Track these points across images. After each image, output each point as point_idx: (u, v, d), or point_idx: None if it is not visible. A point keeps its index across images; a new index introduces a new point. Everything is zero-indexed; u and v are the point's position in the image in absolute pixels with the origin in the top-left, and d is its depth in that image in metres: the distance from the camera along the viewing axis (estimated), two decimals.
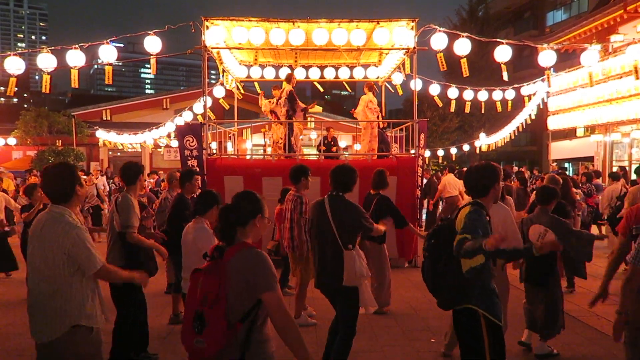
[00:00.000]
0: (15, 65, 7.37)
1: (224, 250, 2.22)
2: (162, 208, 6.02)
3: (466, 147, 20.54)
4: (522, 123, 16.67)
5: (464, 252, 2.55)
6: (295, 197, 5.19)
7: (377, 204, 5.48)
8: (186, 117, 14.18)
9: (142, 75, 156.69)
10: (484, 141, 19.55)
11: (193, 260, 3.49)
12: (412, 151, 8.83)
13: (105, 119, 26.19)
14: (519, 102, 14.43)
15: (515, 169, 15.47)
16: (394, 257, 8.17)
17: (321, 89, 11.54)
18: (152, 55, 7.67)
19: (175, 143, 18.75)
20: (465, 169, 3.29)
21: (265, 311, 2.18)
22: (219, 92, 11.42)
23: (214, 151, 9.85)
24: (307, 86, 19.89)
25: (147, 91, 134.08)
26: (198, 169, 8.17)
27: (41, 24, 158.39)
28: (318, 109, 27.49)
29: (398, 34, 8.20)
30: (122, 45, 79.40)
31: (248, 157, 12.41)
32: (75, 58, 7.48)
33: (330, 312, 4.00)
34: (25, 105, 40.49)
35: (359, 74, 11.19)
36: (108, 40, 7.60)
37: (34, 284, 2.67)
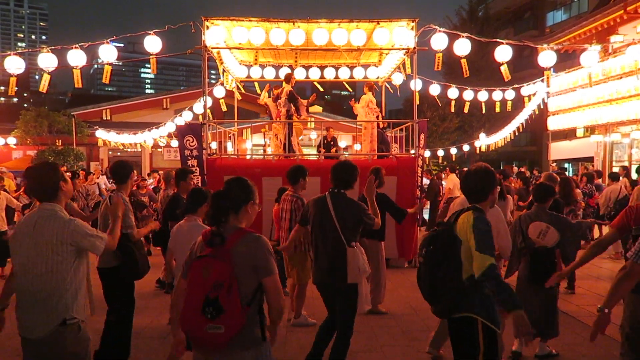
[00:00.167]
0: (15, 65, 7.38)
1: (225, 237, 2.25)
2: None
3: (466, 148, 20.55)
4: (522, 123, 16.68)
5: (502, 298, 2.52)
6: (294, 198, 5.20)
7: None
8: (186, 117, 14.18)
9: (142, 75, 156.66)
10: (484, 141, 19.56)
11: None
12: (412, 151, 8.83)
13: (105, 118, 26.19)
14: (518, 103, 14.44)
15: (515, 169, 15.47)
16: (394, 257, 8.18)
17: (321, 89, 11.54)
18: (152, 55, 7.67)
19: (175, 143, 18.78)
20: (465, 169, 3.26)
21: (262, 294, 2.28)
22: (219, 92, 11.42)
23: (214, 151, 9.86)
24: (307, 86, 19.89)
25: (147, 91, 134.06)
26: (198, 169, 8.17)
27: (41, 23, 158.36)
28: (318, 109, 27.54)
29: (398, 34, 8.20)
30: (122, 45, 79.45)
31: (248, 157, 12.41)
32: (76, 58, 7.48)
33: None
34: (25, 105, 40.56)
35: (359, 74, 11.18)
36: (108, 40, 7.60)
37: (27, 282, 2.67)
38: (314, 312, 5.57)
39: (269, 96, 9.89)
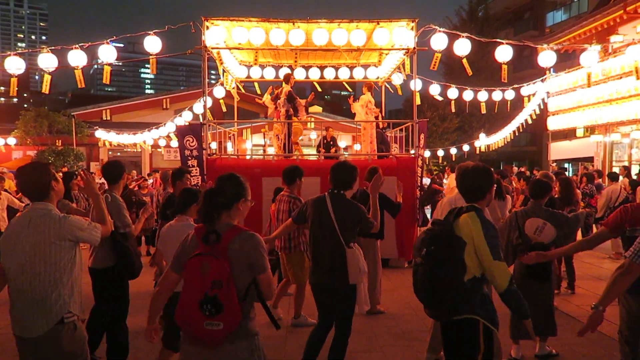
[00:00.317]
0: (15, 65, 7.39)
1: (220, 234, 2.28)
2: None
3: (466, 148, 20.53)
4: (522, 123, 16.68)
5: (514, 305, 2.59)
6: (291, 199, 5.20)
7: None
8: (186, 117, 14.19)
9: (142, 75, 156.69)
10: (484, 141, 19.55)
11: None
12: (412, 151, 8.83)
13: (105, 119, 26.18)
14: (518, 103, 14.44)
15: (515, 169, 15.47)
16: (393, 257, 8.18)
17: (319, 89, 11.55)
18: (152, 55, 7.67)
19: (175, 143, 18.77)
20: (458, 166, 3.19)
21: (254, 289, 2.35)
22: (219, 92, 11.42)
23: (214, 151, 9.86)
24: (307, 86, 19.89)
25: (147, 91, 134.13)
26: (198, 169, 8.17)
27: (41, 24, 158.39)
28: (318, 109, 27.54)
29: (398, 35, 8.21)
30: (122, 45, 79.52)
31: (248, 157, 12.41)
32: (76, 58, 7.49)
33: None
34: (25, 105, 40.52)
35: (358, 74, 11.19)
36: (108, 40, 7.60)
37: (25, 282, 2.67)
38: (314, 313, 5.56)
39: (271, 98, 9.91)
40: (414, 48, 8.36)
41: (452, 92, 12.07)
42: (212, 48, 8.42)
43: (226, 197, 2.38)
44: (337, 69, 11.34)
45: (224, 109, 11.21)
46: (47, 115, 22.46)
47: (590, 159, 18.90)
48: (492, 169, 2.87)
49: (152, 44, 7.66)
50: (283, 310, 5.83)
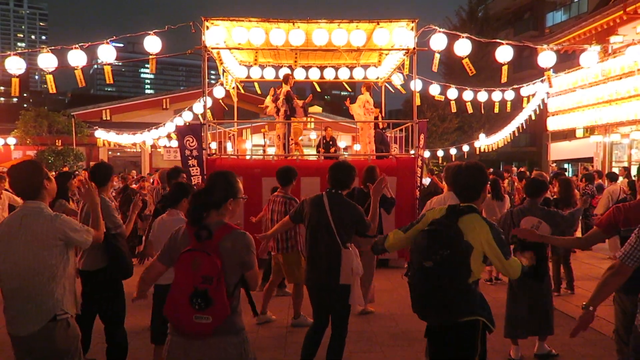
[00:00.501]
0: (15, 65, 7.38)
1: (212, 232, 2.33)
2: None
3: (466, 148, 20.54)
4: (521, 124, 16.69)
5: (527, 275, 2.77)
6: (287, 200, 5.22)
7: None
8: (186, 117, 14.18)
9: (142, 75, 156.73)
10: (484, 142, 19.56)
11: None
12: (412, 152, 8.83)
13: (105, 119, 26.19)
14: (518, 103, 14.45)
15: (515, 169, 15.48)
16: (393, 257, 8.19)
17: (319, 89, 11.55)
18: (152, 55, 7.68)
19: (174, 143, 18.77)
20: (450, 164, 3.11)
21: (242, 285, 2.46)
22: (218, 92, 11.42)
23: (214, 151, 9.86)
24: (306, 86, 19.89)
25: (147, 91, 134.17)
26: (198, 169, 8.18)
27: (41, 23, 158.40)
28: (318, 109, 27.54)
29: (398, 35, 8.21)
30: (122, 45, 79.54)
31: (248, 157, 12.41)
32: (76, 58, 7.49)
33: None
34: (25, 105, 40.54)
35: (358, 74, 11.19)
36: (108, 40, 7.61)
37: (17, 280, 2.68)
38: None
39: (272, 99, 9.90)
40: (414, 48, 8.36)
41: (452, 93, 12.08)
42: (212, 48, 8.42)
43: (215, 197, 2.44)
44: (337, 69, 11.34)
45: (226, 109, 11.21)
46: (46, 115, 22.48)
47: (589, 160, 18.91)
48: (488, 169, 2.87)
49: (152, 44, 7.67)
50: (283, 311, 5.84)
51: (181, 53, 9.70)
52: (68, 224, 2.77)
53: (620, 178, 10.87)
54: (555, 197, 7.01)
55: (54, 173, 7.42)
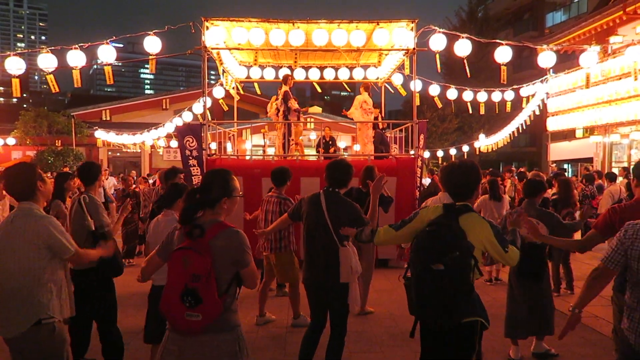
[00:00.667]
0: (15, 65, 7.38)
1: (205, 230, 2.33)
2: None
3: (465, 148, 20.55)
4: (521, 124, 16.69)
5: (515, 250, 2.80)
6: (281, 200, 5.22)
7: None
8: (186, 117, 14.18)
9: (142, 76, 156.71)
10: (484, 142, 19.56)
11: None
12: (412, 152, 8.83)
13: (104, 119, 26.20)
14: (518, 103, 14.46)
15: (514, 170, 15.49)
16: (393, 257, 8.18)
17: (319, 89, 11.54)
18: (152, 55, 7.68)
19: (174, 143, 18.78)
20: (445, 164, 3.10)
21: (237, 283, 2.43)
22: (218, 92, 11.42)
23: (214, 152, 9.86)
24: (306, 87, 19.92)
25: (147, 91, 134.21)
26: (198, 169, 8.18)
27: (41, 24, 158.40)
28: (317, 109, 27.52)
29: (398, 35, 8.21)
30: (122, 45, 79.46)
31: (248, 157, 12.41)
32: (76, 58, 7.49)
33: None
34: (25, 105, 40.51)
35: (358, 74, 11.19)
36: (108, 41, 7.61)
37: (5, 281, 2.69)
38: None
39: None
40: (414, 49, 8.36)
41: (452, 93, 12.08)
42: (212, 48, 8.42)
43: (209, 195, 2.43)
44: (336, 69, 11.34)
45: (225, 108, 11.20)
46: (46, 115, 22.49)
47: (589, 160, 18.91)
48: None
49: (152, 44, 7.67)
50: (282, 311, 5.83)
51: (181, 53, 9.71)
52: (53, 228, 2.73)
53: (620, 178, 10.87)
54: (554, 197, 7.01)
55: (54, 173, 7.41)
